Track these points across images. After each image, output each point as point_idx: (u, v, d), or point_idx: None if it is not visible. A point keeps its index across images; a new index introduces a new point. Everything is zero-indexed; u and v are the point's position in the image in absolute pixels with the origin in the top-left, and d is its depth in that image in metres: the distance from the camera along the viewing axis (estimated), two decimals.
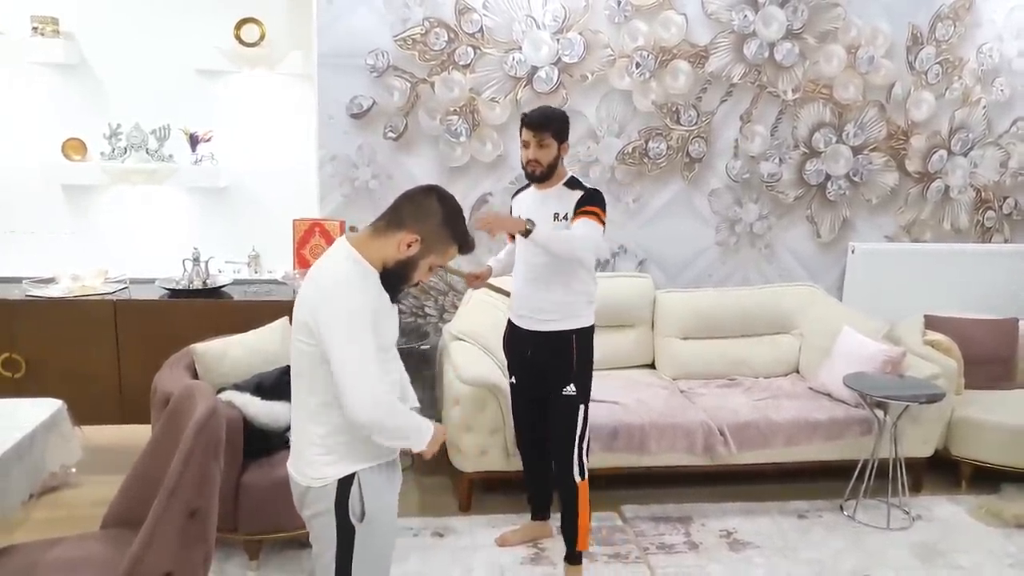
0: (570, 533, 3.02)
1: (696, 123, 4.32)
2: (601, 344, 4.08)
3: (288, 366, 3.20)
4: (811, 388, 4.01)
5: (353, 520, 1.88)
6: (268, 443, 3.03)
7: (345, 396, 1.78)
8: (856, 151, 4.50)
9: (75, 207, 4.10)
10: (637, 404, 3.68)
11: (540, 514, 3.36)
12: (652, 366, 4.29)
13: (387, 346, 1.93)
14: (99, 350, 3.69)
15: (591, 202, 2.86)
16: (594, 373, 3.96)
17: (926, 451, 3.83)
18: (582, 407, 2.96)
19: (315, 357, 1.83)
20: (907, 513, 3.63)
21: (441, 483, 3.74)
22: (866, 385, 3.56)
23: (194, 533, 2.08)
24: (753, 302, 4.33)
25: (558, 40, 4.08)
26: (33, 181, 3.99)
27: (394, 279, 1.91)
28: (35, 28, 3.80)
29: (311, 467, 1.89)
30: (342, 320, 1.78)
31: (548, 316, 2.94)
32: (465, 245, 1.96)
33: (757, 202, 4.49)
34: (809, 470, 3.81)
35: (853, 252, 4.58)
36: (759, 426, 3.64)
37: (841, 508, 3.69)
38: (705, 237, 4.49)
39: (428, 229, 1.88)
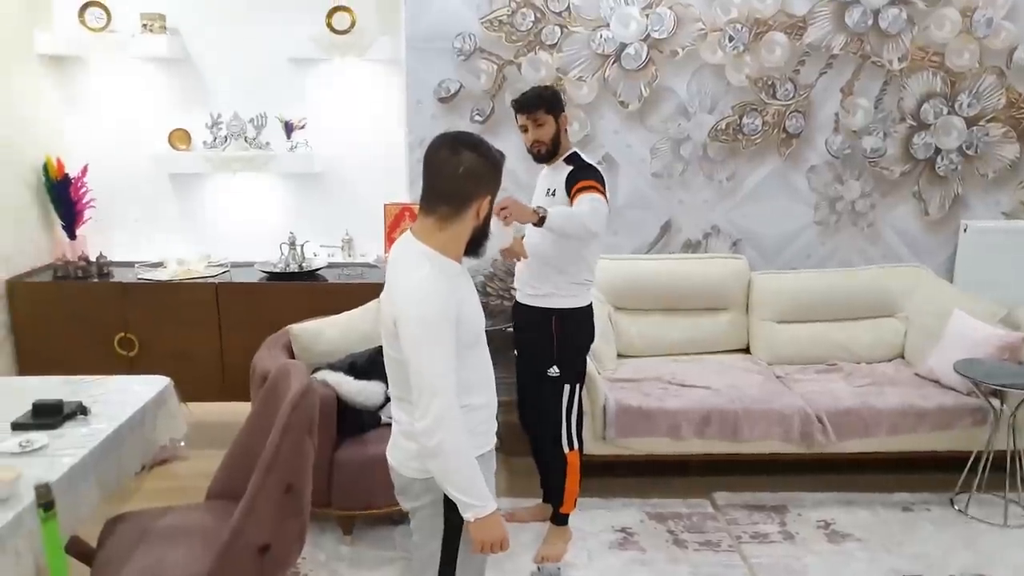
0: (556, 497, 3.07)
1: (793, 97, 4.13)
2: (692, 327, 4.06)
3: (380, 346, 3.30)
4: (917, 375, 3.80)
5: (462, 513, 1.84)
6: (361, 421, 3.11)
7: (416, 411, 1.75)
8: (970, 122, 4.20)
9: (181, 195, 4.31)
10: (730, 389, 3.57)
11: (550, 496, 3.31)
12: (747, 351, 4.16)
13: (474, 340, 1.86)
14: (203, 330, 3.88)
15: (583, 175, 2.80)
16: (683, 357, 3.95)
17: None
18: (567, 387, 2.96)
19: (404, 364, 1.80)
20: None
21: (530, 465, 3.73)
22: (980, 372, 3.34)
23: (290, 507, 2.15)
24: (855, 284, 4.13)
25: (647, 15, 3.98)
26: (144, 171, 4.21)
27: (479, 241, 1.90)
28: (144, 25, 3.99)
29: (415, 459, 1.85)
30: (419, 330, 1.74)
31: (532, 291, 2.97)
32: (502, 162, 1.90)
33: (859, 179, 4.27)
34: (915, 460, 3.62)
35: (966, 231, 4.29)
36: (860, 414, 3.47)
37: (951, 502, 3.49)
38: (803, 216, 4.31)
39: (488, 183, 1.85)
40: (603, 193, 2.78)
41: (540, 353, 2.97)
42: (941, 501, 3.50)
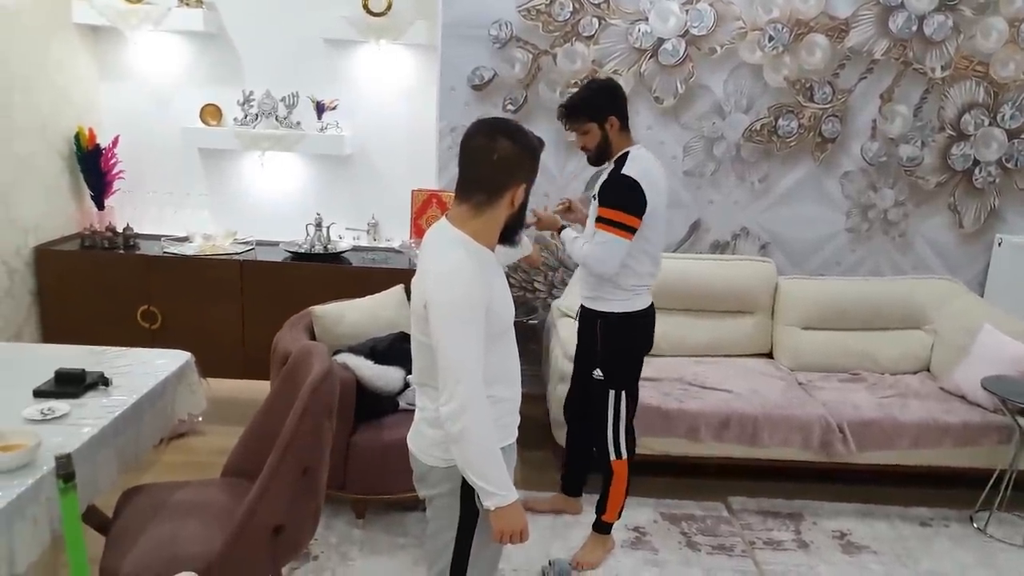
0: (600, 504, 3.02)
1: (831, 101, 4.06)
2: (716, 329, 4.02)
3: (401, 332, 3.30)
4: (943, 389, 3.73)
5: (479, 503, 1.82)
6: (379, 406, 3.11)
7: (442, 395, 1.73)
8: (1012, 135, 4.11)
9: (210, 170, 4.32)
10: (751, 394, 3.53)
11: (571, 491, 3.34)
12: (770, 355, 4.11)
13: (503, 330, 1.84)
14: (226, 307, 3.89)
15: (610, 199, 2.66)
16: (706, 359, 3.91)
17: None
18: (612, 393, 2.89)
19: (433, 349, 1.78)
20: None
21: (544, 458, 3.73)
22: (1008, 390, 3.27)
23: (305, 489, 2.15)
24: (883, 293, 4.06)
25: (687, 11, 3.93)
26: (174, 145, 4.22)
27: (514, 228, 1.89)
28: None
29: (437, 447, 1.84)
30: (450, 313, 1.72)
31: (585, 293, 2.93)
32: (540, 150, 1.88)
33: (894, 187, 4.19)
34: (936, 476, 3.56)
35: (1000, 245, 4.21)
36: (883, 425, 3.42)
37: (971, 520, 3.43)
38: (834, 222, 4.25)
39: (524, 171, 1.83)
40: (625, 229, 2.64)
41: (587, 353, 2.96)
42: (960, 518, 3.45)
